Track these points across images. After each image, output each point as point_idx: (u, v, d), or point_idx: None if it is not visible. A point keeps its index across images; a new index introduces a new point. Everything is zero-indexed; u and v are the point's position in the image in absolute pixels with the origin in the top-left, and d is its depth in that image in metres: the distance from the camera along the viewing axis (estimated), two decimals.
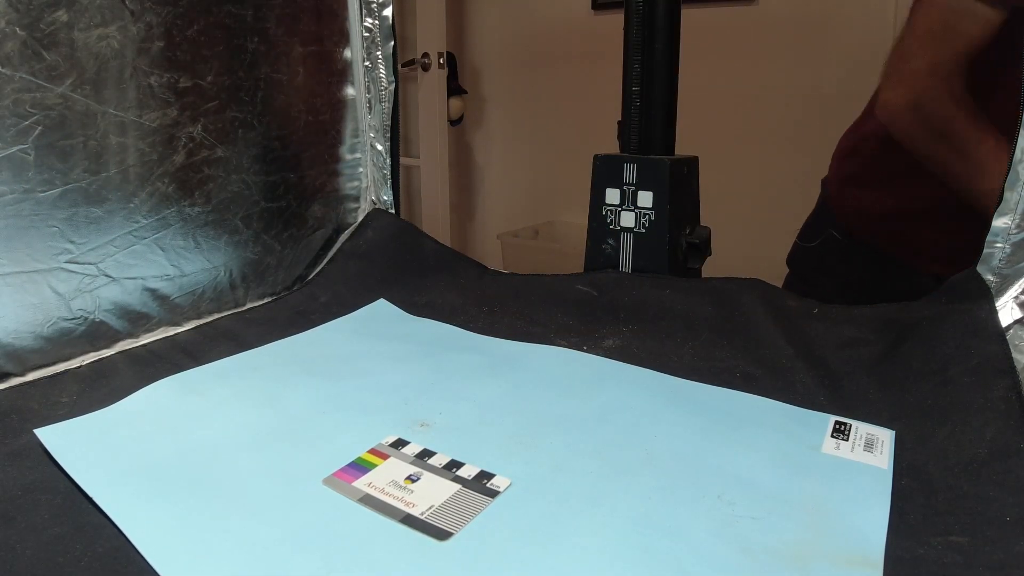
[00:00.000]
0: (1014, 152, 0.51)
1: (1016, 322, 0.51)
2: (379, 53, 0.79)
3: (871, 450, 0.41)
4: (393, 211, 0.82)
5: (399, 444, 0.42)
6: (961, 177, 0.71)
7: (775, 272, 0.97)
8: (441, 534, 0.34)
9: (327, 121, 0.77)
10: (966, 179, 0.71)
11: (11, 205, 0.50)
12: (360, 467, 0.39)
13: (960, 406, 0.44)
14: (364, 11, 0.78)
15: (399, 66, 0.80)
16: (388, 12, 0.78)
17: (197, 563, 0.32)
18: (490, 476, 0.38)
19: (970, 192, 0.70)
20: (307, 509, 0.36)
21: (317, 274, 0.75)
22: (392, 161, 0.81)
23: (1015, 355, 0.47)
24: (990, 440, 0.40)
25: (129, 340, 0.59)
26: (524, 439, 0.43)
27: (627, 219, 0.66)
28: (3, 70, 0.48)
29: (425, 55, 2.01)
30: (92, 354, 0.56)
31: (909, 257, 0.85)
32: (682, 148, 0.69)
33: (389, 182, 0.82)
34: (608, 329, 0.59)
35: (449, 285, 0.72)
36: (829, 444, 0.42)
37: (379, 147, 0.81)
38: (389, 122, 0.80)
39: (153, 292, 0.60)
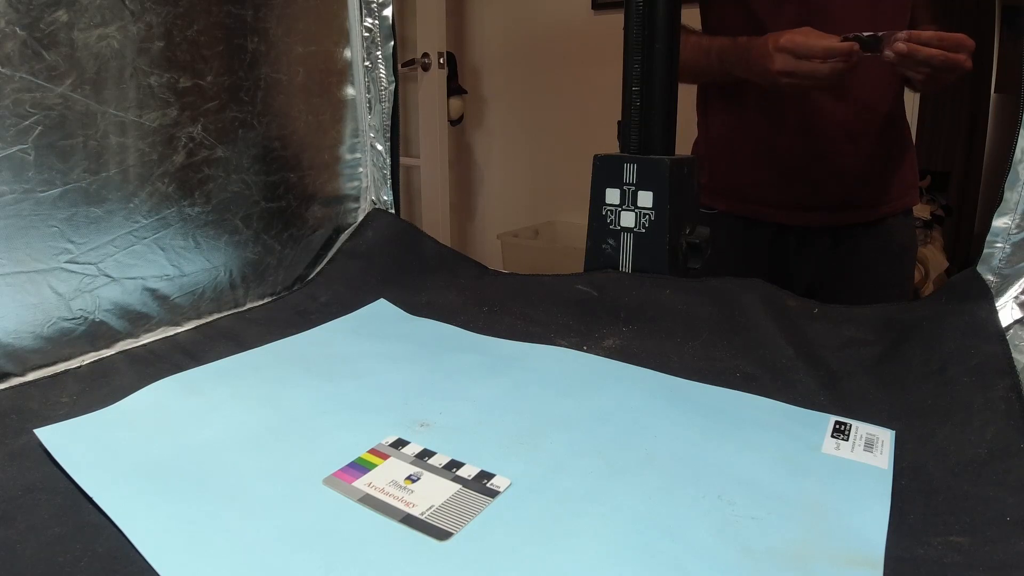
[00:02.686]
0: (1014, 152, 0.51)
1: (1016, 322, 0.51)
2: (379, 53, 0.79)
3: (871, 450, 0.41)
4: (393, 211, 0.82)
5: (399, 444, 0.42)
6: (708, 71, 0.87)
7: None
8: (441, 534, 0.34)
9: (327, 121, 0.76)
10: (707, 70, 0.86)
11: (11, 205, 0.50)
12: (360, 467, 0.39)
13: (960, 406, 0.44)
14: (364, 11, 0.78)
15: (399, 66, 0.80)
16: (388, 12, 0.78)
17: (197, 563, 0.32)
18: (490, 476, 0.38)
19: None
20: (307, 509, 0.36)
21: (317, 274, 0.75)
22: (392, 161, 0.81)
23: (1015, 355, 0.47)
24: (990, 440, 0.40)
25: (129, 340, 0.59)
26: (524, 439, 0.43)
27: (627, 219, 0.66)
28: (3, 70, 0.48)
29: (425, 55, 2.01)
30: (92, 354, 0.56)
31: (774, 214, 0.92)
32: (682, 148, 0.69)
33: (389, 182, 0.82)
34: (608, 329, 0.59)
35: (449, 285, 0.72)
36: (829, 444, 0.42)
37: (379, 147, 0.81)
38: (389, 122, 0.80)
39: (153, 292, 0.60)
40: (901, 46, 0.69)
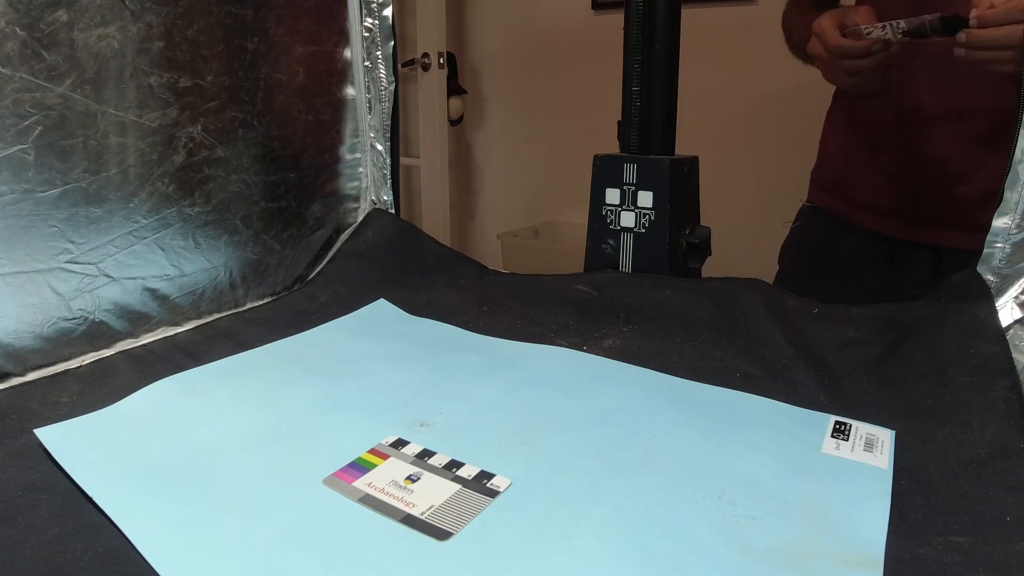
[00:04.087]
0: (1014, 152, 0.51)
1: (1016, 322, 0.51)
2: (379, 53, 0.79)
3: (871, 450, 0.41)
4: (393, 211, 0.82)
5: (399, 444, 0.42)
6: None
7: (774, 271, 0.97)
8: (441, 534, 0.34)
9: (327, 121, 0.76)
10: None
11: (11, 205, 0.50)
12: (360, 467, 0.39)
13: (960, 406, 0.44)
14: (364, 11, 0.78)
15: (399, 66, 0.80)
16: (388, 12, 0.78)
17: (197, 563, 0.32)
18: (490, 476, 0.38)
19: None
20: (307, 509, 0.36)
21: (317, 274, 0.75)
22: (392, 161, 0.81)
23: (1015, 355, 0.47)
24: (990, 440, 0.40)
25: (129, 340, 0.59)
26: (524, 439, 0.43)
27: (627, 219, 0.66)
28: (3, 70, 0.48)
29: (425, 55, 2.01)
30: (92, 354, 0.56)
31: (864, 217, 0.82)
32: (682, 148, 0.69)
33: (389, 182, 0.82)
34: (608, 329, 0.59)
35: (449, 285, 0.72)
36: (829, 444, 0.42)
37: (379, 147, 0.81)
38: (389, 122, 0.80)
39: (153, 292, 0.60)
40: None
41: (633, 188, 0.65)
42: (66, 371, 0.53)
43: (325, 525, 0.34)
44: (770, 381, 0.50)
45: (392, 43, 0.79)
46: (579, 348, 0.56)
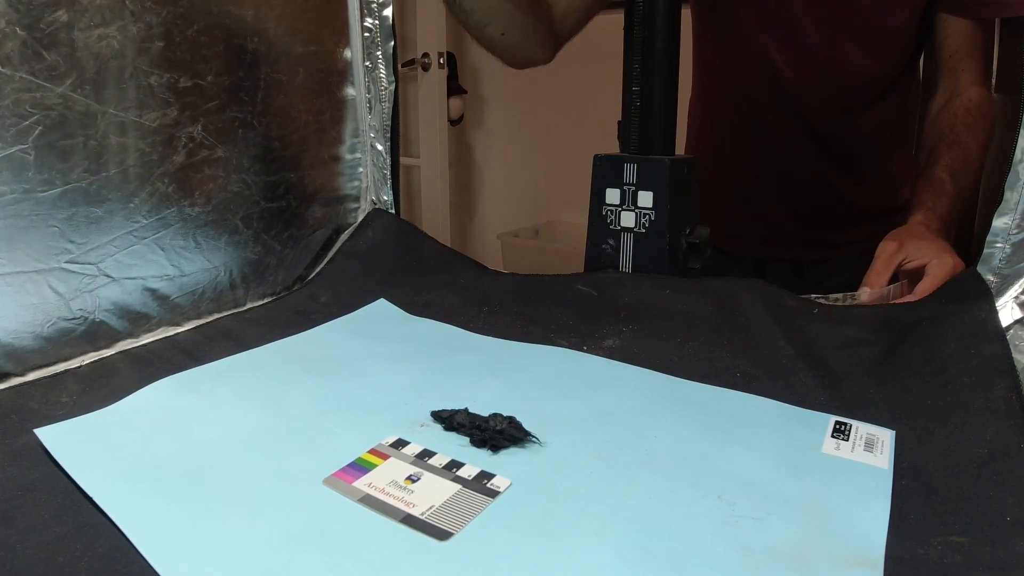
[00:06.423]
0: (1014, 152, 0.51)
1: (1016, 322, 0.51)
2: (379, 53, 0.79)
3: (871, 450, 0.41)
4: (393, 211, 0.82)
5: (399, 444, 0.42)
6: None
7: None
8: (441, 534, 0.34)
9: (327, 121, 0.76)
10: None
11: (11, 205, 0.50)
12: (360, 467, 0.39)
13: (960, 406, 0.44)
14: (364, 11, 0.78)
15: (399, 66, 0.80)
16: (388, 12, 0.78)
17: (197, 563, 0.32)
18: (490, 476, 0.38)
19: None
20: (307, 509, 0.36)
21: (317, 274, 0.75)
22: (392, 161, 0.81)
23: (1015, 355, 0.47)
24: (990, 440, 0.40)
25: (129, 340, 0.59)
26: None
27: (627, 219, 0.66)
28: (3, 70, 0.48)
29: (425, 55, 2.01)
30: (92, 354, 0.56)
31: (733, 244, 0.87)
32: (682, 148, 0.69)
33: (389, 182, 0.82)
34: (608, 329, 0.59)
35: (449, 285, 0.72)
36: (829, 444, 0.42)
37: (379, 147, 0.81)
38: (389, 122, 0.80)
39: (153, 292, 0.60)
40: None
41: (633, 188, 0.65)
42: (66, 371, 0.53)
43: (325, 525, 0.34)
44: (770, 381, 0.50)
45: (392, 43, 0.79)
46: (579, 348, 0.56)
